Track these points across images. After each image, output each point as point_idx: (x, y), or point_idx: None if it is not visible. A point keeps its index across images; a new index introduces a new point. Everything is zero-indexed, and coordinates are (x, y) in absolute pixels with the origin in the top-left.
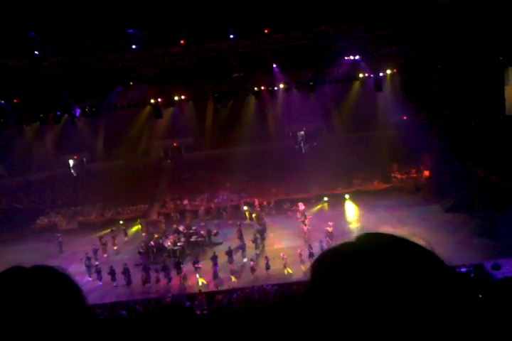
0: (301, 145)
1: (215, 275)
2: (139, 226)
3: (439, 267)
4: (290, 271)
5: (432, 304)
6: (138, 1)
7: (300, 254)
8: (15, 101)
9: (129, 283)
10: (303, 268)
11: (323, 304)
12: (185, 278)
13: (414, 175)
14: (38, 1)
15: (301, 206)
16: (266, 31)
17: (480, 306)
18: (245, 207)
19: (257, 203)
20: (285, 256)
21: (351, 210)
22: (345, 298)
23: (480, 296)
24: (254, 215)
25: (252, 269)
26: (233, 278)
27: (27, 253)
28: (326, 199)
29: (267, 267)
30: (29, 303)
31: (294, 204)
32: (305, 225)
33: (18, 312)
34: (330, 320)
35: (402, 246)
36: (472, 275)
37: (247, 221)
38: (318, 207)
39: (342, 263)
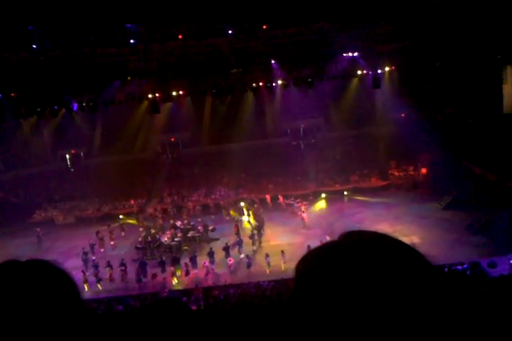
0: (299, 141)
1: (212, 271)
2: (136, 221)
3: (421, 264)
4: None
5: (413, 301)
6: None
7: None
8: (12, 95)
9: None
10: None
11: (306, 304)
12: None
13: (412, 173)
14: None
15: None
16: (264, 27)
17: (471, 303)
18: (242, 203)
19: (257, 199)
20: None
21: (348, 207)
22: (328, 297)
23: (475, 293)
24: (251, 211)
25: (248, 265)
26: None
27: (23, 248)
28: (323, 195)
29: (268, 264)
30: (24, 297)
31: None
32: (302, 212)
33: (12, 306)
34: (313, 319)
35: (384, 244)
36: (468, 272)
37: (244, 217)
38: (318, 204)
39: (325, 262)
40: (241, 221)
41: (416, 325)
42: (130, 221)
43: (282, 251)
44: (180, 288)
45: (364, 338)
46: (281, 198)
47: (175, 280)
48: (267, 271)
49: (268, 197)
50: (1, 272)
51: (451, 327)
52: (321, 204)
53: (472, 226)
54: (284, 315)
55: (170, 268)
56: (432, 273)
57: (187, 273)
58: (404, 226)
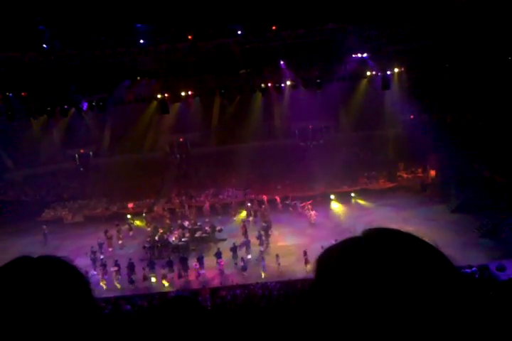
0: (307, 142)
1: (220, 272)
2: (144, 220)
3: (444, 264)
4: (308, 268)
5: (435, 302)
6: None
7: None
8: (23, 94)
9: (131, 280)
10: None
11: (326, 299)
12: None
13: (421, 175)
14: None
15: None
16: (274, 28)
17: (485, 307)
18: (249, 204)
19: (265, 199)
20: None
21: (356, 209)
22: (349, 293)
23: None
24: (258, 212)
25: (244, 268)
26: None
27: (32, 246)
28: (332, 197)
29: (278, 265)
30: (36, 293)
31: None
32: (310, 210)
33: (25, 302)
34: (333, 314)
35: (408, 243)
36: (477, 276)
37: (252, 218)
38: (331, 204)
39: (347, 258)
40: (248, 221)
41: (437, 326)
42: (138, 222)
43: (277, 255)
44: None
45: (381, 333)
46: (278, 199)
47: (165, 283)
48: (262, 275)
49: (278, 198)
50: (14, 268)
51: (465, 327)
52: (334, 206)
53: (481, 229)
54: (302, 307)
55: (161, 271)
56: (453, 274)
57: (180, 276)
58: (412, 229)
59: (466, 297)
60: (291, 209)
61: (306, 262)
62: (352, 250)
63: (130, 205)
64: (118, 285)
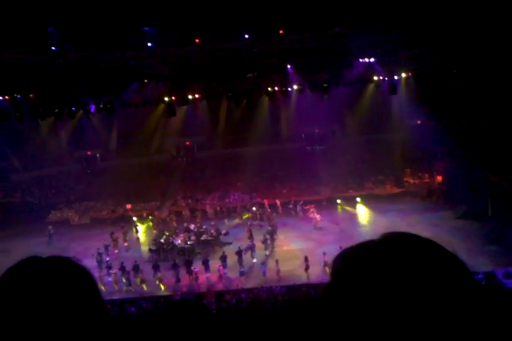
0: (314, 146)
1: (220, 277)
2: (150, 223)
3: (461, 271)
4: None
5: (450, 307)
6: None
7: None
8: (31, 95)
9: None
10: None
11: (342, 299)
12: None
13: (427, 180)
14: None
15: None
16: (281, 32)
17: (495, 314)
18: (254, 208)
19: (266, 204)
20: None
21: (362, 213)
22: (365, 295)
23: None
24: (264, 216)
25: (241, 273)
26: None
27: (38, 247)
28: (338, 201)
29: (277, 271)
30: (45, 293)
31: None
32: (314, 214)
33: (34, 301)
34: (348, 315)
35: (426, 248)
36: (483, 283)
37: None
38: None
39: (364, 261)
40: (254, 225)
41: (452, 331)
42: (142, 224)
43: (277, 260)
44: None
45: (395, 335)
46: (278, 202)
47: (161, 287)
48: (278, 276)
49: (278, 202)
50: (24, 268)
51: (479, 334)
52: (340, 210)
53: (487, 236)
54: (318, 308)
55: (192, 271)
56: (469, 281)
57: (178, 280)
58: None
59: (481, 304)
60: (293, 212)
61: (307, 268)
62: (369, 253)
63: (128, 206)
64: (130, 288)
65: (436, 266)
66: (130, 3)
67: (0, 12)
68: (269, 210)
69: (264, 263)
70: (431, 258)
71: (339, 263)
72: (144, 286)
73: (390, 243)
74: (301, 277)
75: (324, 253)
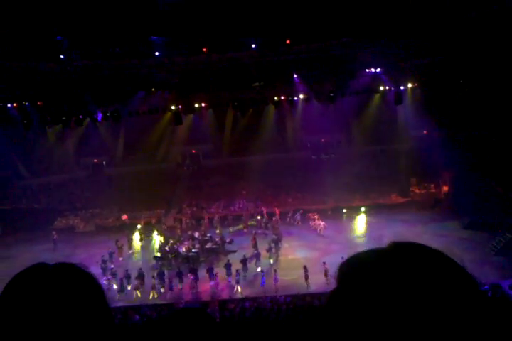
0: (319, 155)
1: (237, 282)
2: (156, 230)
3: (468, 282)
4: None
5: (456, 317)
6: (163, 9)
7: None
8: (39, 103)
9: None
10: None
11: (349, 305)
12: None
13: (433, 190)
14: (65, 5)
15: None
16: (288, 42)
17: (502, 325)
18: (258, 216)
19: (265, 212)
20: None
21: (367, 223)
22: (372, 302)
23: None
24: (269, 224)
25: (237, 281)
26: (239, 289)
27: (44, 253)
28: (344, 211)
29: (276, 280)
30: (53, 299)
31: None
32: (318, 220)
33: (42, 308)
34: (354, 322)
35: (434, 258)
36: (489, 294)
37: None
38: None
39: (371, 268)
40: (258, 234)
41: (452, 336)
42: (146, 231)
43: (275, 270)
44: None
45: None
46: (277, 211)
47: (154, 295)
48: (275, 285)
49: (277, 210)
50: (32, 275)
51: None
52: (345, 219)
53: (493, 247)
54: (323, 313)
55: (197, 279)
56: (476, 293)
57: (170, 288)
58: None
59: (488, 315)
60: (291, 221)
61: (307, 277)
62: (378, 260)
63: (124, 217)
64: (138, 293)
65: (444, 277)
66: (138, 13)
67: (10, 20)
68: (273, 218)
69: (262, 272)
70: (439, 269)
71: (346, 269)
72: (138, 293)
73: (399, 251)
74: (305, 286)
75: (324, 263)
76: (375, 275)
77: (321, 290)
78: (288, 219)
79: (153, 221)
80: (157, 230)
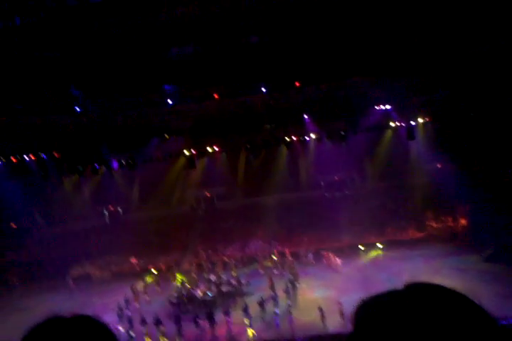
0: (333, 193)
1: (250, 326)
2: (180, 276)
3: (487, 324)
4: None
5: None
6: (175, 60)
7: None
8: (55, 154)
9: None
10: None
11: None
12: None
13: (451, 224)
14: (79, 59)
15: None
16: (297, 84)
17: None
18: (274, 257)
19: (276, 253)
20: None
21: (385, 260)
22: None
23: None
24: (285, 265)
25: (290, 322)
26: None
27: (60, 303)
28: (362, 248)
29: (291, 322)
30: None
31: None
32: (335, 258)
33: None
34: None
35: (450, 300)
36: None
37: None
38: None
39: (387, 311)
40: (275, 274)
41: None
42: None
43: (290, 311)
44: None
45: None
46: (287, 251)
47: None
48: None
49: (287, 250)
50: (47, 328)
51: None
52: (362, 257)
53: None
54: None
55: (214, 323)
56: (494, 332)
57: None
58: (444, 280)
59: None
60: (304, 260)
61: (323, 319)
62: (392, 304)
63: (133, 260)
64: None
65: (461, 318)
66: (150, 63)
67: (26, 75)
68: (290, 259)
69: (276, 314)
70: (455, 311)
71: (361, 313)
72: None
73: (414, 294)
74: (324, 327)
75: (340, 303)
76: (391, 320)
77: (338, 331)
78: (301, 259)
79: (167, 266)
80: (172, 275)
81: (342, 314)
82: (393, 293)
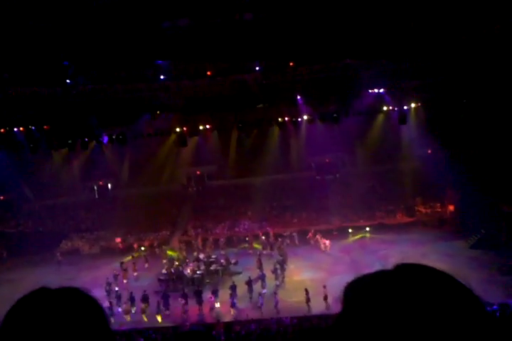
0: (324, 176)
1: (233, 305)
2: (170, 252)
3: (475, 305)
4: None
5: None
6: (168, 34)
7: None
8: (45, 127)
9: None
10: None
11: (355, 328)
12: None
13: (439, 210)
14: (72, 32)
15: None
16: (291, 64)
17: None
18: (264, 237)
19: (261, 234)
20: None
21: (373, 243)
22: (376, 326)
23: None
24: (275, 245)
25: (276, 303)
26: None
27: (48, 277)
28: (350, 230)
29: (276, 303)
30: (56, 324)
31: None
32: (322, 239)
33: (44, 333)
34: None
35: (442, 280)
36: (498, 314)
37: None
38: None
39: (377, 291)
40: (263, 255)
41: None
42: (171, 252)
43: (275, 292)
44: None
45: None
46: (271, 231)
47: (158, 318)
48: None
49: (271, 231)
50: (35, 299)
51: None
52: (351, 240)
53: (502, 266)
54: (329, 336)
55: (201, 301)
56: (482, 316)
57: (175, 310)
58: (430, 264)
59: (495, 338)
60: (288, 241)
61: (308, 301)
62: (383, 283)
63: (118, 240)
64: (144, 318)
65: (451, 299)
66: (144, 37)
67: (16, 46)
68: (279, 239)
69: (261, 294)
70: (445, 291)
71: (351, 292)
72: (144, 316)
73: (404, 273)
74: (313, 307)
75: (324, 286)
76: (380, 299)
77: (323, 312)
78: (284, 240)
79: (155, 244)
80: (164, 252)
81: (326, 297)
82: (383, 273)
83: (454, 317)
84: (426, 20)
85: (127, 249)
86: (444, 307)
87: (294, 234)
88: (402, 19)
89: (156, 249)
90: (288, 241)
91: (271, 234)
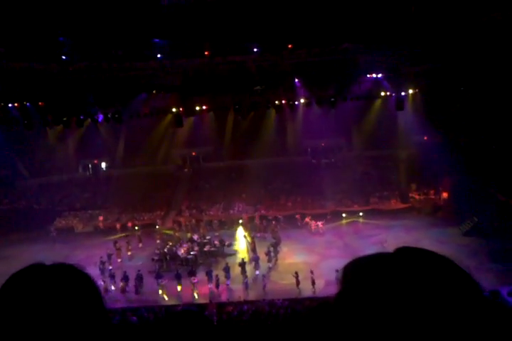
0: (319, 160)
1: (226, 286)
2: (166, 231)
3: (473, 289)
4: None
5: (459, 322)
6: (167, 12)
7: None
8: (40, 103)
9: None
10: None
11: (353, 308)
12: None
13: (433, 196)
14: (69, 7)
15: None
16: (289, 46)
17: (502, 332)
18: (258, 220)
19: (246, 217)
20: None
21: (367, 228)
22: (376, 307)
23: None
24: (268, 228)
25: (264, 285)
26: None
27: (42, 254)
28: (344, 215)
29: (264, 286)
30: (49, 299)
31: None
32: (313, 221)
33: (37, 308)
34: (358, 325)
35: (442, 264)
36: None
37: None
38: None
39: (377, 272)
40: (257, 237)
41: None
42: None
43: (264, 275)
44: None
45: None
46: (257, 216)
47: (165, 297)
48: (264, 291)
49: (257, 216)
50: (29, 274)
51: None
52: (345, 224)
53: (493, 253)
54: (328, 315)
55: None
56: (479, 299)
57: (180, 290)
58: None
59: (490, 322)
60: (274, 223)
61: (298, 284)
62: (382, 264)
63: (100, 218)
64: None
65: (450, 282)
66: (141, 15)
67: (12, 21)
68: (273, 222)
69: (246, 277)
70: (445, 274)
71: (351, 271)
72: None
73: (405, 256)
74: (303, 290)
75: (312, 272)
76: (381, 279)
77: (313, 295)
78: (270, 223)
79: (148, 224)
80: (158, 232)
81: (313, 282)
82: (384, 255)
83: (453, 300)
84: (427, 6)
85: (122, 228)
86: (444, 290)
87: (281, 217)
88: (403, 3)
89: (151, 230)
90: (282, 224)
91: (256, 217)
